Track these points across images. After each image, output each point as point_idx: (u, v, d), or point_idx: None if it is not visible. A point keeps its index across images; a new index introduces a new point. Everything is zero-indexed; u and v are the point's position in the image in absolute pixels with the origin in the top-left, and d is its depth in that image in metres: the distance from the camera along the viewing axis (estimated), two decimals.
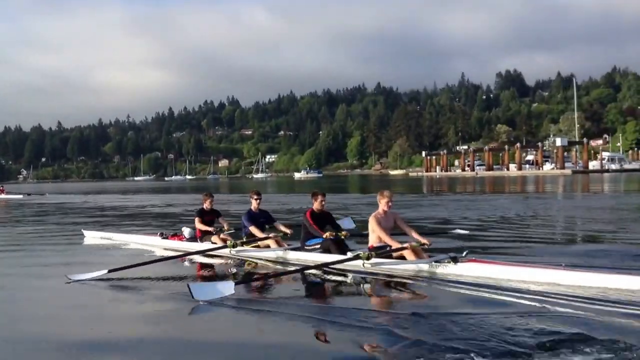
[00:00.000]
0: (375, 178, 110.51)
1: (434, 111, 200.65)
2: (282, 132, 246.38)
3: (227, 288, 7.10)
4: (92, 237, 14.81)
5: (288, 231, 10.75)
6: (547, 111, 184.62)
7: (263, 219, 11.01)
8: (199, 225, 11.67)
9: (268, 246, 10.56)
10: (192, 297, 6.88)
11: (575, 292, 6.86)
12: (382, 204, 9.02)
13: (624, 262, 9.00)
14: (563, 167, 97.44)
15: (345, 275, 8.45)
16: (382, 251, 8.75)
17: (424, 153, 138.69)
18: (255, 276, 8.89)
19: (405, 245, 8.60)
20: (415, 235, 8.85)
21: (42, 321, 6.53)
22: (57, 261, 10.99)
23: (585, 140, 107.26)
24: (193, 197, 39.46)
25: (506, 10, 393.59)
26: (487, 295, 6.97)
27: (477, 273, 7.90)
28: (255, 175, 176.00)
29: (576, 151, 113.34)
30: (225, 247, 10.44)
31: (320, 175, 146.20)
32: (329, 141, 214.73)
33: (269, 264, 9.86)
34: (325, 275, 8.59)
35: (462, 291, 7.27)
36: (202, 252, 10.55)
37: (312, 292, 8.12)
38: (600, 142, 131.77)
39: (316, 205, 9.96)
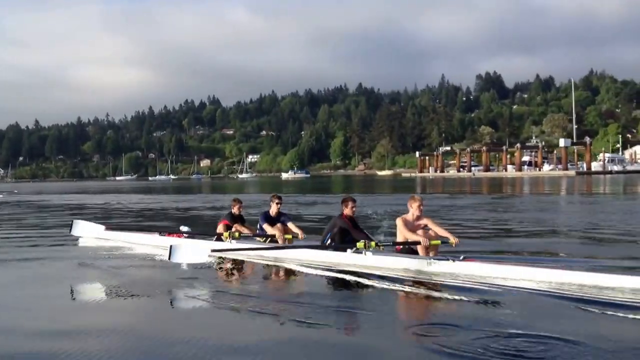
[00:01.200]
0: (364, 178, 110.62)
1: (415, 112, 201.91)
2: (264, 132, 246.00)
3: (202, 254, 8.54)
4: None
5: (300, 233, 10.54)
6: (528, 113, 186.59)
7: (281, 221, 10.82)
8: (235, 228, 11.27)
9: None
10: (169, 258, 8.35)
11: (574, 291, 7.00)
12: (414, 208, 9.09)
13: None
14: (566, 168, 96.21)
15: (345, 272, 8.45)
16: (386, 244, 9.02)
17: (417, 153, 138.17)
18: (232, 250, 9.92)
19: (418, 239, 8.67)
20: (443, 232, 8.93)
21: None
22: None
23: (588, 140, 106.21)
24: (205, 197, 39.33)
25: (485, 12, 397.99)
26: (485, 294, 6.96)
27: (475, 272, 7.97)
28: (240, 175, 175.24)
29: (574, 152, 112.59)
30: (220, 237, 10.88)
31: (308, 175, 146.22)
32: (312, 141, 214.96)
33: (257, 253, 9.95)
34: (326, 273, 8.57)
35: (459, 290, 7.24)
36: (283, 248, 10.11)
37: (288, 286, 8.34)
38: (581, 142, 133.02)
39: (347, 212, 9.62)
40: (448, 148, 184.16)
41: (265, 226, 10.70)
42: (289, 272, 8.92)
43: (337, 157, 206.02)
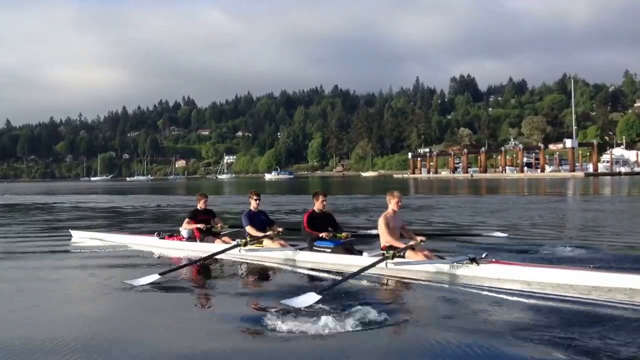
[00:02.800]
0: (349, 180, 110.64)
1: (393, 114, 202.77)
2: (240, 133, 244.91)
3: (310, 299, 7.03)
4: (80, 237, 14.10)
5: (279, 229, 10.68)
6: (504, 115, 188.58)
7: (263, 218, 11.04)
8: (187, 226, 11.69)
9: (269, 245, 10.61)
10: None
11: (602, 294, 6.82)
12: (392, 204, 9.04)
13: None
14: (574, 170, 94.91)
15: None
16: (399, 250, 8.77)
17: (409, 154, 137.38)
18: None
19: (411, 243, 8.72)
20: (411, 234, 9.05)
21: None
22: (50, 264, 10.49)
23: (594, 142, 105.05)
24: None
25: (458, 15, 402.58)
26: (510, 297, 6.83)
27: (499, 275, 7.87)
28: (219, 176, 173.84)
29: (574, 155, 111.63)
30: (237, 246, 10.42)
31: (292, 176, 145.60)
32: (289, 142, 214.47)
33: (277, 264, 9.79)
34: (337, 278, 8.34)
35: (485, 293, 7.11)
36: (219, 253, 10.18)
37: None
38: (560, 146, 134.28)
39: (317, 206, 10.02)
40: (427, 150, 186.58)
41: (249, 228, 10.63)
42: (286, 272, 9.10)
43: (314, 159, 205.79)
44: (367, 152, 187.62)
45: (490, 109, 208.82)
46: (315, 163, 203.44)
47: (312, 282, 8.32)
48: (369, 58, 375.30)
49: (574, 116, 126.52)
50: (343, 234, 9.81)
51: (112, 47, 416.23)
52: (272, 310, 6.35)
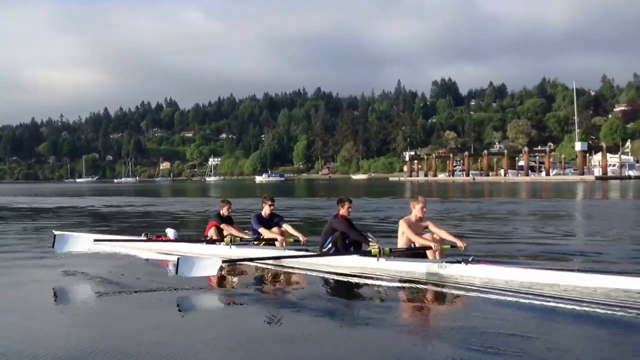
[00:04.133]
0: (339, 182, 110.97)
1: (377, 117, 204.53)
2: (224, 135, 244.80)
3: (212, 266, 8.12)
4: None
5: (301, 237, 10.34)
6: (488, 119, 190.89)
7: (275, 221, 10.72)
8: (233, 231, 10.99)
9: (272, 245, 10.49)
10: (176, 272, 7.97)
11: (588, 295, 6.98)
12: (417, 210, 9.05)
13: None
14: (583, 173, 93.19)
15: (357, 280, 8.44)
16: (399, 250, 8.94)
17: (407, 156, 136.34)
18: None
19: (428, 244, 8.74)
20: (449, 237, 8.90)
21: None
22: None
23: (604, 145, 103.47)
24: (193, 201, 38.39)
25: (439, 19, 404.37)
26: (498, 297, 7.01)
27: (487, 275, 8.03)
28: (207, 179, 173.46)
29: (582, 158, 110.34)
30: (219, 241, 10.61)
31: (283, 179, 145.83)
32: (274, 145, 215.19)
33: (262, 263, 9.66)
34: (334, 277, 8.66)
35: (472, 293, 7.28)
36: (291, 257, 9.72)
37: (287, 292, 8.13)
38: (546, 149, 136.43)
39: (343, 212, 9.60)
40: (412, 153, 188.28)
41: (262, 230, 10.51)
42: (298, 277, 8.86)
43: (300, 161, 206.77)
44: (352, 154, 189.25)
45: (472, 112, 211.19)
46: (301, 165, 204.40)
47: (324, 284, 8.51)
48: (350, 61, 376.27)
49: (576, 119, 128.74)
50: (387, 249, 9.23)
51: (92, 47, 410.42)
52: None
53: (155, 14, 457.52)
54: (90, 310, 7.17)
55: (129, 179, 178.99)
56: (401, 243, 8.99)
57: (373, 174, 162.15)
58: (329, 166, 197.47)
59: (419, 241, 8.78)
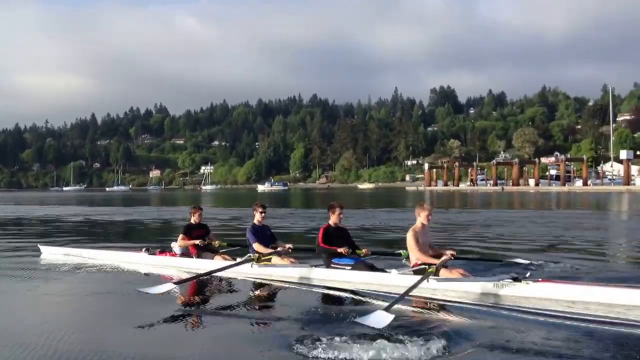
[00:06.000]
0: (347, 191, 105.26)
1: (377, 125, 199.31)
2: (216, 143, 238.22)
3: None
4: (50, 253, 12.72)
5: (289, 246, 9.95)
6: (490, 127, 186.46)
7: (268, 233, 10.35)
8: (182, 242, 10.74)
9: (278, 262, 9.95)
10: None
11: None
12: (422, 217, 8.63)
13: None
14: (628, 183, 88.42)
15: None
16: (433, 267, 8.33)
17: (426, 165, 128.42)
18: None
19: (444, 258, 8.26)
20: (437, 250, 8.68)
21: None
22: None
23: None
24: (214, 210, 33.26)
25: (436, 27, 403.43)
26: (563, 320, 6.36)
27: (549, 294, 7.28)
28: (204, 187, 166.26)
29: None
30: (249, 260, 9.61)
31: (286, 188, 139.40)
32: (270, 153, 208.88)
33: (291, 283, 9.02)
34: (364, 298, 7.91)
35: (533, 316, 6.58)
36: (226, 268, 9.40)
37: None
38: (552, 159, 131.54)
39: (333, 219, 9.43)
40: (414, 162, 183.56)
41: (257, 245, 9.88)
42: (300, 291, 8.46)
43: (296, 170, 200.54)
44: (352, 163, 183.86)
45: (473, 120, 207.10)
46: (298, 174, 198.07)
47: (337, 302, 7.87)
48: (346, 68, 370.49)
49: (612, 127, 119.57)
50: (363, 250, 9.43)
51: (78, 51, 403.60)
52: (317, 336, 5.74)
53: (144, 18, 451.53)
54: None
55: (122, 187, 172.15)
56: (414, 258, 8.49)
57: (381, 184, 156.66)
58: (327, 175, 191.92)
59: (435, 262, 8.18)
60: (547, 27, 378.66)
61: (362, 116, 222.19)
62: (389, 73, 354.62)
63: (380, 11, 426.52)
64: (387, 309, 6.37)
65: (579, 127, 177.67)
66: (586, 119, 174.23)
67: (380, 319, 6.15)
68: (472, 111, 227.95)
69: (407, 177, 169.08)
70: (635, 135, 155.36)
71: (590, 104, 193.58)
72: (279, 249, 9.88)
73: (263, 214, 10.35)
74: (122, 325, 6.68)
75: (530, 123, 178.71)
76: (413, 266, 8.44)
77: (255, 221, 10.31)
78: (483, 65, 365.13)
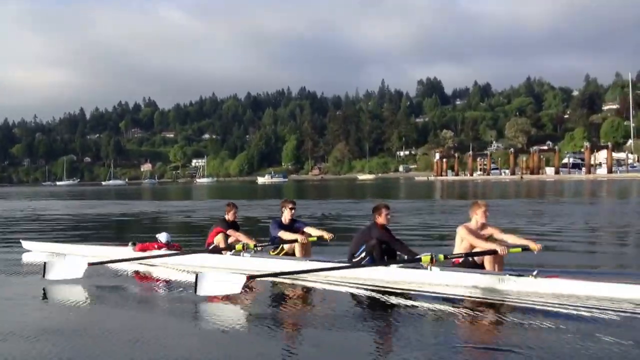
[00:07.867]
0: (346, 183, 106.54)
1: (365, 116, 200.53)
2: (207, 136, 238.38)
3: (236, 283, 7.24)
4: (37, 250, 12.39)
5: (326, 235, 9.43)
6: (480, 118, 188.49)
7: (295, 227, 9.77)
8: (286, 236, 9.63)
9: (292, 254, 9.55)
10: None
11: None
12: (479, 215, 8.10)
13: None
14: None
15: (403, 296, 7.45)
16: (456, 256, 7.93)
17: (437, 155, 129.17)
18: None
19: (493, 247, 7.72)
20: (519, 240, 7.92)
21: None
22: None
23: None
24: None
25: (420, 19, 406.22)
26: (575, 315, 6.27)
27: (562, 290, 7.09)
28: (199, 180, 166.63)
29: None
30: (232, 248, 9.63)
31: (286, 180, 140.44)
32: (262, 145, 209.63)
33: (282, 277, 8.50)
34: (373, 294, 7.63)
35: (544, 308, 6.56)
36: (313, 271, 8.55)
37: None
38: (545, 147, 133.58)
39: (381, 221, 8.51)
40: (407, 152, 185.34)
41: (282, 233, 9.57)
42: (333, 294, 7.89)
43: (289, 162, 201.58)
44: (345, 155, 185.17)
45: (461, 111, 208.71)
46: (290, 166, 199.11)
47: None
48: (332, 60, 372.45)
49: (632, 115, 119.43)
50: (440, 255, 8.16)
51: (66, 46, 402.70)
52: None
53: (131, 11, 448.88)
54: None
55: (117, 181, 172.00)
56: (460, 249, 8.02)
57: (380, 174, 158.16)
58: (320, 167, 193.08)
59: (483, 246, 7.78)
60: (530, 19, 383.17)
61: (351, 108, 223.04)
62: (375, 65, 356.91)
63: (364, 4, 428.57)
64: (250, 277, 7.22)
65: (566, 116, 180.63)
66: (575, 108, 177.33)
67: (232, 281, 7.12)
68: (458, 102, 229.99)
69: (400, 168, 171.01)
70: (625, 123, 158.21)
71: (574, 94, 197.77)
72: (298, 237, 9.41)
73: (293, 211, 9.83)
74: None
75: (518, 113, 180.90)
76: (453, 263, 8.01)
77: (283, 219, 9.83)
78: (467, 56, 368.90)
